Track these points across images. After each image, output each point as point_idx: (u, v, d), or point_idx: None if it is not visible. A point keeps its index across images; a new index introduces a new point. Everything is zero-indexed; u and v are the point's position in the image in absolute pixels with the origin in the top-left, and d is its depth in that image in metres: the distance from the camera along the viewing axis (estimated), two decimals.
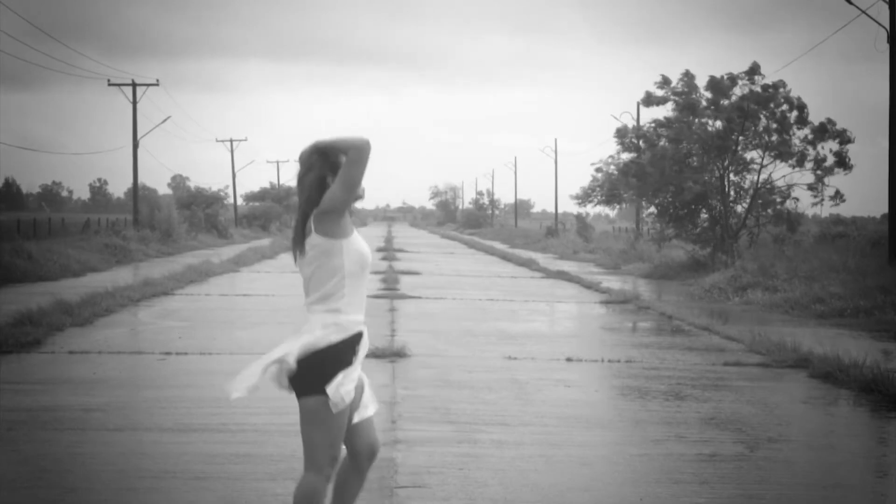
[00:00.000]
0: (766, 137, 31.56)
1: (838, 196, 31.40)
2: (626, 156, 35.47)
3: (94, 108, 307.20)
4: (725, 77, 31.69)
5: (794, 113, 31.30)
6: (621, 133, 34.15)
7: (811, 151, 31.20)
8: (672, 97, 32.22)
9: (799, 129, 31.33)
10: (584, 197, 60.02)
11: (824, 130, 31.08)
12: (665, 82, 32.40)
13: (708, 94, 31.78)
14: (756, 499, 6.76)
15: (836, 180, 31.66)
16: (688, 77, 32.24)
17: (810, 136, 31.23)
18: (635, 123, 39.97)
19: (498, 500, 6.62)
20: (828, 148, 31.18)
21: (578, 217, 61.22)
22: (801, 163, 31.24)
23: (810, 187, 31.49)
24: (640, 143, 33.73)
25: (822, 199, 31.53)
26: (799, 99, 31.34)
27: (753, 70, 31.55)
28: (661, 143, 32.72)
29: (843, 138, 31.01)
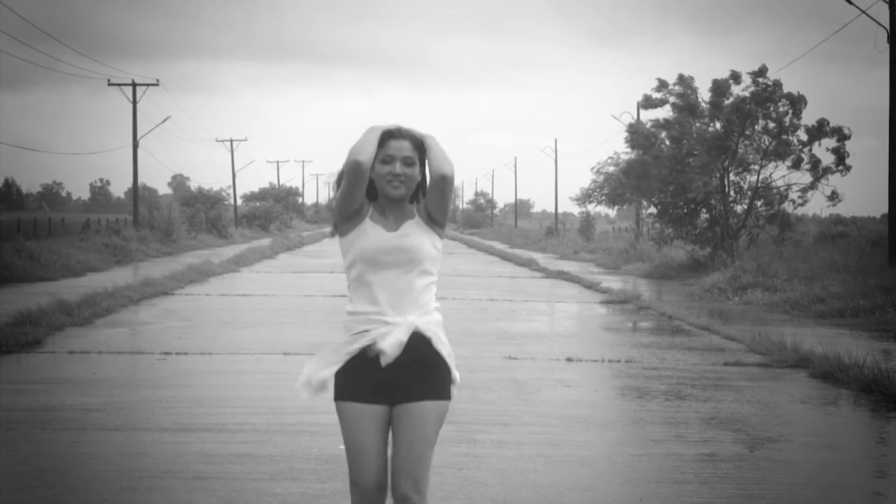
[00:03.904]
0: (767, 139, 31.54)
1: (835, 196, 31.38)
2: (626, 155, 35.36)
3: (94, 108, 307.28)
4: (730, 76, 31.62)
5: (790, 112, 31.26)
6: (633, 129, 34.00)
7: (806, 153, 31.17)
8: (670, 99, 32.20)
9: (796, 122, 31.25)
10: (584, 198, 59.99)
11: (821, 129, 31.06)
12: (662, 85, 32.40)
13: (709, 96, 31.74)
14: (756, 499, 6.76)
15: (835, 179, 31.57)
16: (682, 81, 32.20)
17: (805, 138, 31.18)
18: (638, 122, 39.85)
19: (497, 499, 6.62)
20: (825, 146, 31.15)
21: (583, 215, 61.14)
22: (797, 165, 31.22)
23: (809, 187, 31.44)
24: (642, 141, 33.62)
25: (805, 202, 31.62)
26: (798, 93, 31.30)
27: (762, 71, 31.49)
28: (662, 142, 32.68)
29: (841, 135, 30.99)
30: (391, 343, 4.22)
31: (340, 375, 4.30)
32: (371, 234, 4.31)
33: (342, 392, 4.29)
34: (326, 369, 4.33)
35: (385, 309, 4.27)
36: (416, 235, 4.32)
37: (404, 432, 4.23)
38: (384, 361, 4.22)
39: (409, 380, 4.24)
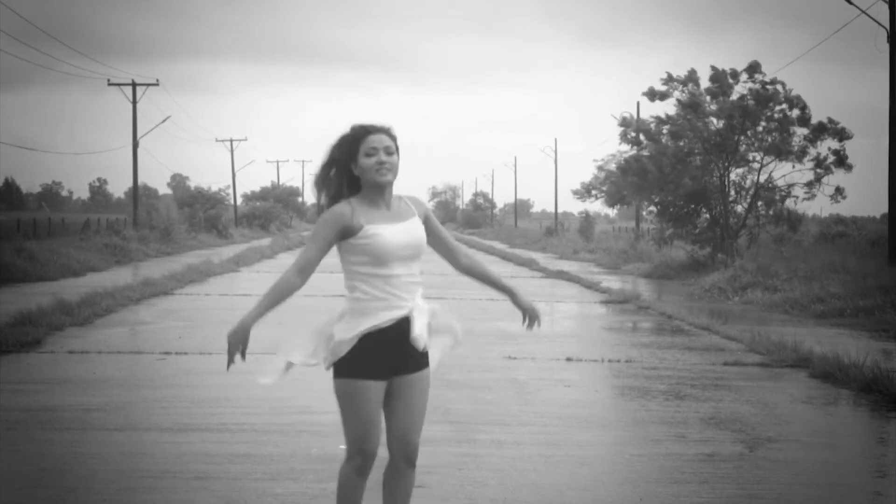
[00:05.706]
0: (767, 138, 31.57)
1: (839, 193, 31.39)
2: (625, 148, 35.30)
3: (94, 108, 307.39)
4: (728, 71, 31.65)
5: (796, 112, 31.32)
6: (626, 123, 33.99)
7: (811, 150, 31.23)
8: (675, 93, 32.22)
9: (799, 127, 31.36)
10: (585, 192, 59.97)
11: (823, 129, 31.10)
12: (669, 79, 32.41)
13: (711, 86, 31.71)
14: (756, 498, 6.76)
15: (836, 179, 31.69)
16: (691, 77, 32.21)
17: (810, 136, 31.24)
18: (634, 117, 39.85)
19: (497, 499, 6.62)
20: (827, 146, 31.22)
21: (582, 215, 61.15)
22: (800, 159, 31.26)
23: (809, 185, 31.48)
24: (641, 136, 33.57)
25: (813, 197, 31.59)
26: (799, 97, 31.35)
27: (753, 68, 31.53)
28: (663, 139, 32.67)
29: (843, 135, 31.03)
30: (420, 330, 4.73)
31: (353, 354, 4.63)
32: (384, 234, 4.69)
33: (357, 370, 4.63)
34: (345, 339, 4.66)
35: (399, 293, 4.72)
36: (419, 230, 4.84)
37: (408, 401, 4.74)
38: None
39: (409, 354, 4.71)
